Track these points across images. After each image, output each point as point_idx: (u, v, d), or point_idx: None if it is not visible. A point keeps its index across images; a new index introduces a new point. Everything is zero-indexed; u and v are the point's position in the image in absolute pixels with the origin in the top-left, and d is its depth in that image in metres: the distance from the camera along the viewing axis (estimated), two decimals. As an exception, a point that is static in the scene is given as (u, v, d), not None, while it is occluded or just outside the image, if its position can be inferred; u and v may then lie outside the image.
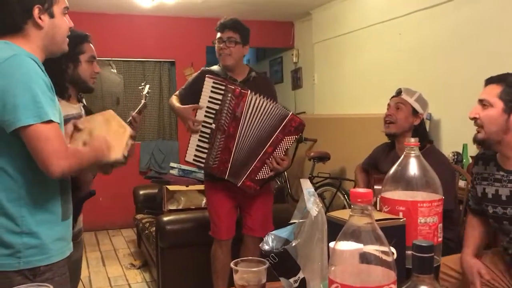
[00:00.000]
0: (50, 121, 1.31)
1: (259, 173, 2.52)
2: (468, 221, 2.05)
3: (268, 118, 2.46)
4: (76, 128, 1.56)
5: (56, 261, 1.43)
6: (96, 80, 2.06)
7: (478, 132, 1.80)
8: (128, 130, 1.61)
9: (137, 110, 2.28)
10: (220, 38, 2.60)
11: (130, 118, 2.22)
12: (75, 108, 1.98)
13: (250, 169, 2.50)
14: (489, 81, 1.81)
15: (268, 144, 2.47)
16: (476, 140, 1.83)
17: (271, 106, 2.45)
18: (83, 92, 2.08)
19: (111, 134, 1.58)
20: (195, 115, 2.48)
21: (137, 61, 5.57)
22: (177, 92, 2.81)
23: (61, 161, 1.31)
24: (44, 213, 1.40)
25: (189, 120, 2.49)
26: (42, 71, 1.36)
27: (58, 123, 1.36)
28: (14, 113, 1.27)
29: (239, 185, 2.52)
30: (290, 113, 2.47)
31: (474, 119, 1.80)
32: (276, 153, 2.49)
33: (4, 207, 1.34)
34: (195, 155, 2.51)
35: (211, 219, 2.75)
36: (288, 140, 2.48)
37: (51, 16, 1.41)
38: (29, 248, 1.36)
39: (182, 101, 2.68)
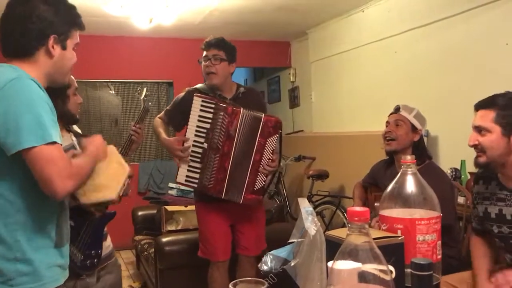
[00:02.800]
0: (54, 143, 1.31)
1: (256, 183, 2.49)
2: (472, 244, 2.01)
3: (250, 127, 2.44)
4: None
5: None
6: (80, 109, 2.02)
7: (480, 156, 1.78)
8: (127, 170, 1.61)
9: (137, 119, 2.23)
10: (205, 56, 2.62)
11: (131, 131, 2.17)
12: (65, 140, 1.95)
13: (246, 183, 2.47)
14: (479, 106, 1.79)
15: (254, 152, 2.45)
16: (478, 165, 1.81)
17: (253, 116, 2.43)
18: (70, 124, 2.04)
19: (110, 172, 1.58)
20: (182, 144, 2.45)
21: (135, 82, 5.60)
22: (161, 114, 2.77)
23: (65, 182, 1.31)
24: (40, 239, 1.38)
25: (176, 151, 2.45)
26: (44, 93, 1.37)
27: (61, 144, 1.36)
28: (17, 135, 1.27)
29: (241, 202, 2.48)
30: (263, 115, 2.45)
31: (474, 146, 1.78)
32: (264, 158, 2.46)
33: None
34: (188, 176, 2.46)
35: (205, 240, 2.69)
36: (271, 142, 2.46)
37: (64, 48, 1.46)
38: (22, 275, 1.34)
39: (168, 123, 2.67)
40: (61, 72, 1.49)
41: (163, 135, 2.60)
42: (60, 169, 1.30)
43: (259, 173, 2.48)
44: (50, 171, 1.28)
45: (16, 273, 1.33)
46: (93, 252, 1.90)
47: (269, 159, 2.47)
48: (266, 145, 2.46)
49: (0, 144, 1.29)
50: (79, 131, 2.13)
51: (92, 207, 1.70)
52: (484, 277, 1.87)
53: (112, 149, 1.64)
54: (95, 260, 1.90)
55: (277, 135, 2.48)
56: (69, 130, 2.06)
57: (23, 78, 1.33)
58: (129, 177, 1.63)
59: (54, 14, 1.42)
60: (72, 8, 1.50)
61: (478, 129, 1.76)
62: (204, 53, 2.64)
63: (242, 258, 2.71)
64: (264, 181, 2.50)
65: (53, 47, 1.42)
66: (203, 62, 2.63)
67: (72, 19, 1.48)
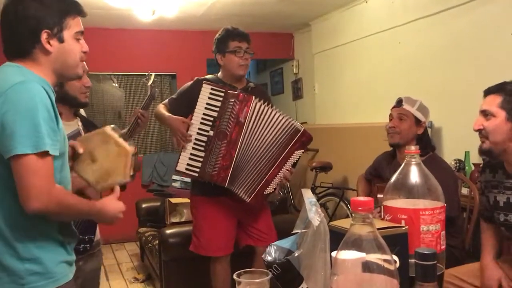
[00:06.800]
0: (46, 153, 1.27)
1: (268, 188, 2.47)
2: (482, 228, 2.04)
3: (277, 129, 2.42)
4: (75, 151, 1.52)
5: (61, 284, 1.39)
6: (88, 94, 2.00)
7: (483, 142, 1.79)
8: (129, 150, 1.56)
9: (143, 104, 2.22)
10: (240, 47, 2.59)
11: (137, 115, 2.18)
12: (70, 126, 1.96)
13: (262, 183, 2.45)
14: (488, 91, 1.81)
15: (281, 158, 2.43)
16: (481, 151, 1.82)
17: (279, 116, 2.42)
18: (76, 108, 2.04)
19: (113, 156, 1.55)
20: (187, 129, 2.42)
21: (138, 74, 5.59)
22: (165, 101, 2.73)
23: (40, 198, 1.26)
24: (45, 239, 1.37)
25: (179, 132, 2.42)
26: (50, 98, 1.33)
27: (55, 156, 1.32)
28: (11, 140, 1.24)
29: (248, 201, 2.46)
30: (303, 129, 2.44)
31: (479, 130, 1.79)
32: (285, 167, 2.46)
33: (4, 233, 1.32)
34: (188, 164, 2.42)
35: (204, 235, 2.63)
36: (296, 154, 2.46)
37: (61, 41, 1.38)
38: (32, 274, 1.33)
39: (173, 111, 2.60)
40: (67, 66, 1.42)
41: (167, 113, 2.55)
42: (40, 183, 1.26)
43: (275, 179, 2.47)
44: (30, 182, 1.25)
45: (26, 272, 1.32)
46: (86, 237, 1.90)
47: (288, 169, 2.47)
48: (292, 156, 2.45)
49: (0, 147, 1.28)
50: (84, 115, 2.14)
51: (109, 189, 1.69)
52: (490, 257, 1.92)
53: (106, 132, 1.57)
54: (88, 245, 1.91)
55: (303, 151, 2.50)
56: (76, 115, 2.05)
57: (27, 82, 1.29)
58: (134, 155, 1.57)
59: (39, 8, 1.35)
60: None
61: (484, 113, 1.78)
62: (236, 43, 2.60)
63: (260, 250, 2.63)
64: (274, 188, 2.49)
65: (48, 43, 1.36)
66: (236, 54, 2.58)
67: (63, 8, 1.39)
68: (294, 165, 2.51)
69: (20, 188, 1.26)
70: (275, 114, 2.43)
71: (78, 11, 1.44)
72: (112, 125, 1.63)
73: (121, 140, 1.57)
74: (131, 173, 1.57)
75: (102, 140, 1.58)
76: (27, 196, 1.26)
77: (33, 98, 1.27)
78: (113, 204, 1.47)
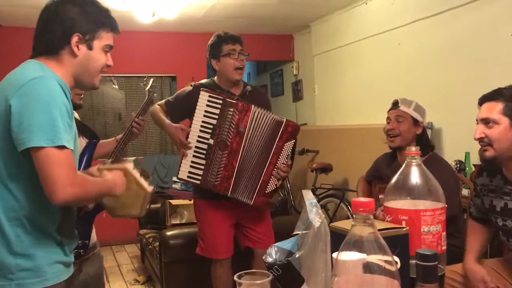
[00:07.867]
0: (63, 147, 1.30)
1: (269, 186, 2.48)
2: (469, 227, 2.05)
3: (266, 129, 2.43)
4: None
5: (52, 284, 1.39)
6: (85, 96, 2.02)
7: (486, 150, 1.76)
8: (148, 191, 1.61)
9: (139, 110, 2.20)
10: (234, 49, 2.56)
11: (133, 123, 2.15)
12: None
13: (259, 184, 2.45)
14: (484, 99, 1.78)
15: (271, 155, 2.44)
16: (485, 160, 1.79)
17: (268, 117, 2.43)
18: None
19: (131, 194, 1.59)
20: (187, 137, 2.41)
21: (138, 76, 5.60)
22: (161, 102, 2.71)
23: (67, 188, 1.28)
24: (41, 236, 1.37)
25: (178, 140, 2.42)
26: (66, 96, 1.36)
27: (72, 150, 1.34)
28: (28, 132, 1.27)
29: (251, 204, 2.47)
30: (285, 120, 2.44)
31: (480, 139, 1.77)
32: (280, 162, 2.46)
33: (2, 225, 1.33)
34: (190, 172, 2.42)
35: (207, 238, 2.65)
36: (288, 146, 2.47)
37: (89, 48, 1.46)
38: (22, 270, 1.34)
39: (169, 114, 2.60)
40: (87, 73, 1.48)
41: (167, 120, 2.54)
42: (64, 174, 1.28)
43: (272, 176, 2.47)
44: (54, 174, 1.27)
45: (16, 268, 1.33)
46: (80, 242, 1.88)
47: (283, 163, 2.47)
48: (283, 149, 2.46)
49: (13, 139, 1.30)
50: (78, 117, 2.13)
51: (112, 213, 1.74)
52: (472, 257, 1.93)
53: (128, 170, 1.61)
54: (81, 250, 1.90)
55: (294, 141, 2.49)
56: None
57: (46, 78, 1.33)
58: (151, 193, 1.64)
59: (78, 13, 1.43)
60: (102, 9, 1.51)
61: (485, 121, 1.74)
62: (229, 46, 2.58)
63: (259, 251, 2.63)
64: (276, 185, 2.49)
65: (77, 46, 1.43)
66: (230, 56, 2.56)
67: (99, 20, 1.48)
68: (291, 157, 2.50)
69: (45, 181, 1.28)
70: (267, 117, 2.43)
71: (113, 27, 1.55)
72: (133, 159, 1.65)
73: (141, 180, 1.62)
74: (147, 207, 1.63)
75: (123, 175, 1.60)
76: (53, 188, 1.27)
77: (51, 93, 1.31)
78: (120, 179, 1.53)
